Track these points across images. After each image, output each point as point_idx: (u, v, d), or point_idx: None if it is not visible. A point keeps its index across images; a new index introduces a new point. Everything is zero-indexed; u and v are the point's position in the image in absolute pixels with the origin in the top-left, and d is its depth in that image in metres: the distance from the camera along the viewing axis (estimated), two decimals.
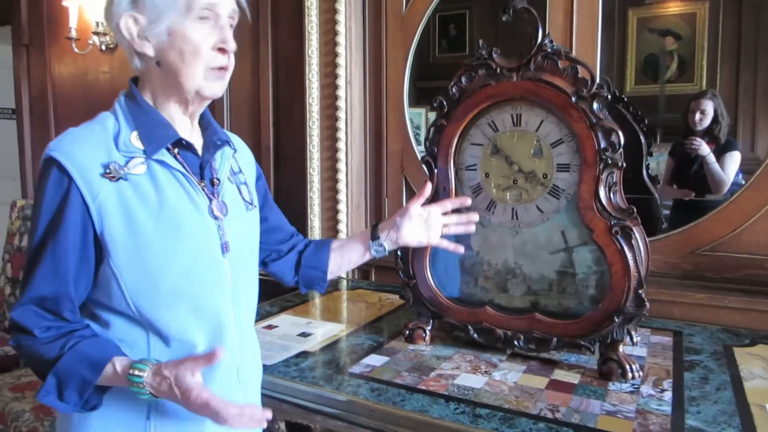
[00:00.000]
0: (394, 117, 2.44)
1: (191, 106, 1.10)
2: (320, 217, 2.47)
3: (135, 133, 1.04)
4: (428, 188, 1.44)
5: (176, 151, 1.07)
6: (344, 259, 1.43)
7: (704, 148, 2.10)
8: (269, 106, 2.58)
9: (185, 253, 1.03)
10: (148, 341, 1.05)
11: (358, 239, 1.44)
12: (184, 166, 1.07)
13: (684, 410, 1.23)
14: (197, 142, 1.14)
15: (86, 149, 1.00)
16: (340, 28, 2.35)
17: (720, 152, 2.09)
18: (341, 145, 2.41)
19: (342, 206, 2.44)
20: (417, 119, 2.53)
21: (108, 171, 0.99)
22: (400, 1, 2.37)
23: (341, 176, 2.42)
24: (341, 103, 2.39)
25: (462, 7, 2.63)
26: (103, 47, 3.11)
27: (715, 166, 2.08)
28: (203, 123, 1.18)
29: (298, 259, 1.43)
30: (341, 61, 2.37)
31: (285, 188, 2.60)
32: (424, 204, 1.41)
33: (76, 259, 0.99)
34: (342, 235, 2.44)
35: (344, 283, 2.42)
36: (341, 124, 2.40)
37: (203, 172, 1.11)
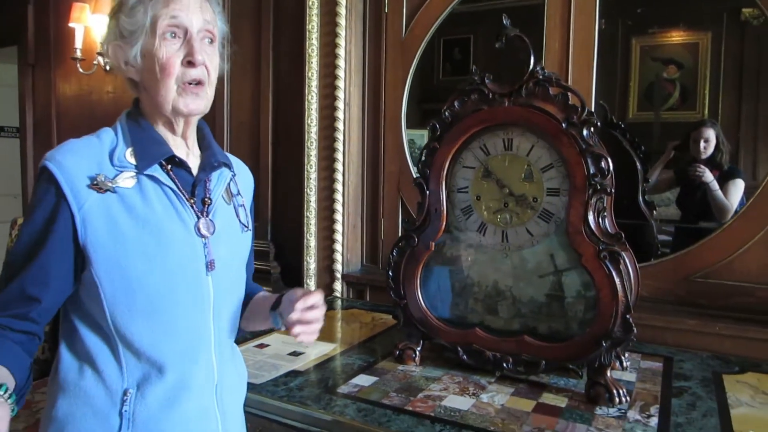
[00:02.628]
0: (391, 139, 2.47)
1: (177, 126, 1.12)
2: (316, 236, 2.48)
3: (130, 150, 1.08)
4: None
5: (169, 167, 1.10)
6: (253, 315, 1.30)
7: (708, 175, 2.11)
8: (269, 126, 2.62)
9: (165, 267, 1.05)
10: (120, 353, 1.06)
11: (267, 303, 1.27)
12: (175, 183, 1.09)
13: None
14: (194, 162, 1.16)
15: (77, 160, 1.03)
16: (340, 51, 2.39)
17: (723, 179, 2.11)
18: (339, 165, 2.44)
19: (338, 226, 2.46)
20: (420, 140, 2.56)
21: (95, 183, 1.02)
22: (400, 27, 2.42)
23: (338, 196, 2.45)
24: (339, 125, 2.42)
25: (467, 32, 2.68)
26: (108, 68, 3.16)
27: (719, 193, 2.09)
28: (203, 144, 1.21)
29: None
30: (340, 83, 2.41)
31: (282, 209, 2.63)
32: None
33: (56, 266, 1.01)
34: (338, 255, 2.46)
35: (338, 302, 2.43)
36: (339, 146, 2.43)
37: (195, 190, 1.13)
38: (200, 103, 1.09)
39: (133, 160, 1.07)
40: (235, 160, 1.30)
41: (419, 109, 2.64)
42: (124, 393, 1.05)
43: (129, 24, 1.08)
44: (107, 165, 1.05)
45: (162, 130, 1.13)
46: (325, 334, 2.02)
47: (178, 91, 1.07)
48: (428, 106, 2.63)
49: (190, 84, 1.07)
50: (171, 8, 1.05)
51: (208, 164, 1.17)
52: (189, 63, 1.06)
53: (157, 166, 1.08)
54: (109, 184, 1.03)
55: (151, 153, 1.08)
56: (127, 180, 1.05)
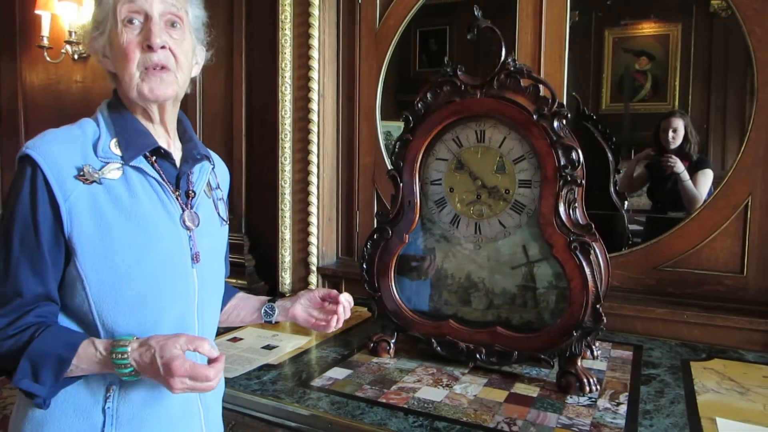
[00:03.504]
0: (366, 130, 2.46)
1: (152, 113, 1.11)
2: (291, 229, 2.46)
3: (114, 140, 1.06)
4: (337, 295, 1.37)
5: (154, 159, 1.09)
6: (236, 311, 1.39)
7: (679, 166, 2.14)
8: (242, 118, 2.58)
9: (154, 259, 1.04)
10: None
11: (257, 299, 1.41)
12: (160, 175, 1.08)
13: (637, 423, 1.26)
14: (176, 154, 1.15)
15: (62, 149, 1.01)
16: (314, 42, 2.37)
17: (693, 170, 2.14)
18: (313, 158, 2.42)
19: (313, 218, 2.44)
20: (397, 132, 2.55)
21: (81, 174, 1.00)
22: (374, 17, 2.40)
23: (313, 189, 2.43)
24: (314, 117, 2.40)
25: (442, 23, 2.67)
26: (76, 56, 3.09)
27: (689, 183, 2.12)
28: (185, 137, 1.20)
29: None
30: (314, 74, 2.38)
31: (256, 201, 2.60)
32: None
33: (50, 259, 0.99)
34: (313, 248, 2.44)
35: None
36: (313, 137, 2.41)
37: (179, 182, 1.12)
38: (166, 88, 1.07)
39: (118, 151, 1.05)
40: (214, 155, 1.29)
41: (396, 100, 2.63)
42: (107, 389, 1.04)
43: (97, 14, 1.08)
44: (92, 156, 1.03)
45: (143, 120, 1.11)
46: (300, 328, 2.01)
47: (140, 77, 1.05)
48: (405, 98, 2.62)
49: (153, 68, 1.05)
50: None
51: (191, 156, 1.16)
52: (148, 47, 1.04)
53: (142, 158, 1.07)
54: (96, 176, 1.01)
55: (137, 144, 1.07)
56: (113, 171, 1.03)
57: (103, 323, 1.02)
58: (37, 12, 3.06)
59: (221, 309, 1.33)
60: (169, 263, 1.07)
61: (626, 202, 2.42)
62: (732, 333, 1.79)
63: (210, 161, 1.22)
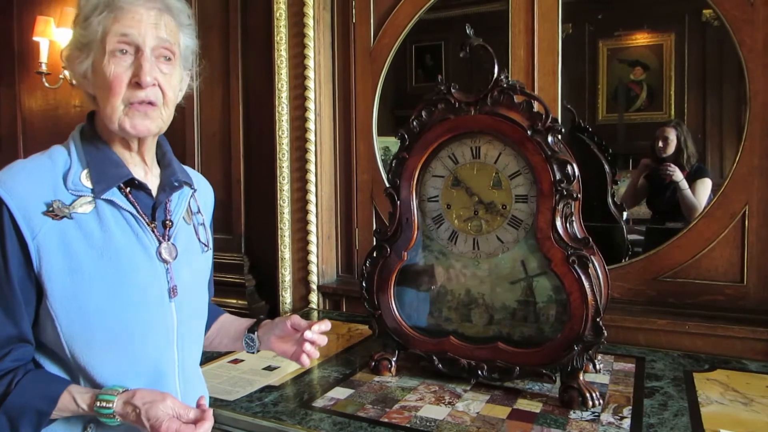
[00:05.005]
0: (363, 148, 2.47)
1: (132, 143, 1.08)
2: (291, 248, 2.47)
3: (86, 171, 1.02)
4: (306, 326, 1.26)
5: (128, 190, 1.06)
6: (218, 337, 1.35)
7: (678, 174, 2.15)
8: (240, 139, 2.60)
9: (127, 296, 1.01)
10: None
11: (240, 325, 1.34)
12: (135, 207, 1.05)
13: None
14: (153, 182, 1.12)
15: (30, 184, 0.97)
16: (309, 62, 2.39)
17: (691, 179, 2.15)
18: (311, 176, 2.43)
19: (312, 237, 2.45)
20: (395, 148, 2.56)
21: (51, 209, 0.96)
22: (368, 36, 2.43)
23: (311, 207, 2.44)
24: (311, 135, 2.41)
25: (438, 39, 2.70)
26: (74, 82, 3.11)
27: (688, 192, 2.13)
28: (163, 162, 1.16)
29: None
30: (310, 94, 2.40)
31: (256, 221, 2.61)
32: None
33: (21, 298, 0.97)
34: (313, 267, 2.45)
35: (315, 314, 2.41)
36: (311, 156, 2.42)
37: (155, 213, 1.09)
38: (150, 124, 1.04)
39: (89, 184, 1.01)
40: (194, 175, 1.26)
41: (393, 116, 2.65)
42: (84, 428, 1.02)
43: (82, 36, 1.03)
44: (62, 189, 0.99)
45: (118, 148, 1.07)
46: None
47: (124, 111, 1.01)
48: (402, 113, 2.64)
49: (139, 104, 1.01)
50: (122, 24, 0.99)
51: (168, 184, 1.12)
52: (137, 84, 1.00)
53: (115, 189, 1.03)
54: (66, 211, 0.97)
55: (109, 176, 1.03)
56: (84, 206, 1.00)
57: (76, 362, 1.00)
58: (35, 39, 3.10)
59: (205, 332, 1.28)
60: (144, 299, 1.03)
61: (625, 213, 2.42)
62: (734, 343, 1.78)
63: (191, 186, 1.18)
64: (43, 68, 3.09)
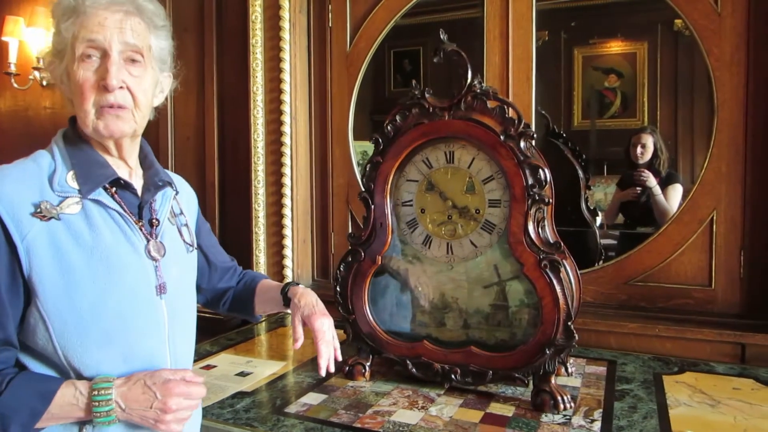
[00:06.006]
0: (339, 152, 2.47)
1: (109, 147, 1.09)
2: (266, 252, 2.45)
3: (71, 173, 1.03)
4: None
5: (114, 190, 1.07)
6: (263, 304, 1.47)
7: (651, 180, 2.18)
8: (214, 142, 2.57)
9: (118, 294, 1.01)
10: None
11: (275, 293, 1.44)
12: (121, 206, 1.06)
13: None
14: (137, 182, 1.13)
15: (16, 187, 0.97)
16: (285, 65, 2.38)
17: (663, 185, 2.18)
18: (287, 180, 2.42)
19: (288, 241, 2.43)
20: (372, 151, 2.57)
21: (39, 210, 0.97)
22: (344, 40, 2.43)
23: (287, 211, 2.42)
24: (286, 139, 2.40)
25: (416, 44, 2.71)
26: (44, 83, 3.05)
27: (661, 197, 2.17)
28: (146, 163, 1.17)
29: (232, 297, 1.48)
30: (286, 97, 2.40)
31: (231, 224, 2.58)
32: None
33: (7, 301, 0.96)
34: (288, 271, 2.43)
35: (290, 319, 2.39)
36: (286, 160, 2.41)
37: (142, 212, 1.10)
38: (123, 125, 1.04)
39: (75, 185, 1.02)
40: (176, 178, 1.27)
41: (372, 121, 2.66)
42: (80, 429, 1.01)
43: (57, 42, 1.05)
44: (48, 191, 1.00)
45: (101, 150, 1.09)
46: (276, 353, 1.99)
47: (96, 114, 1.03)
48: (380, 118, 2.63)
49: (109, 107, 1.02)
50: (88, 29, 1.00)
51: (152, 184, 1.14)
52: (104, 87, 1.01)
53: (101, 190, 1.04)
54: (54, 212, 0.98)
55: (95, 176, 1.04)
56: (71, 206, 1.00)
57: (69, 363, 0.99)
58: (3, 39, 3.03)
59: (252, 302, 1.43)
60: (135, 297, 1.04)
61: (599, 218, 2.45)
62: (702, 345, 1.82)
63: (173, 187, 1.19)
64: (12, 69, 3.02)
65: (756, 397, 1.49)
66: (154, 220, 1.11)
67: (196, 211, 1.33)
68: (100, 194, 1.04)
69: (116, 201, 1.06)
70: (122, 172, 1.10)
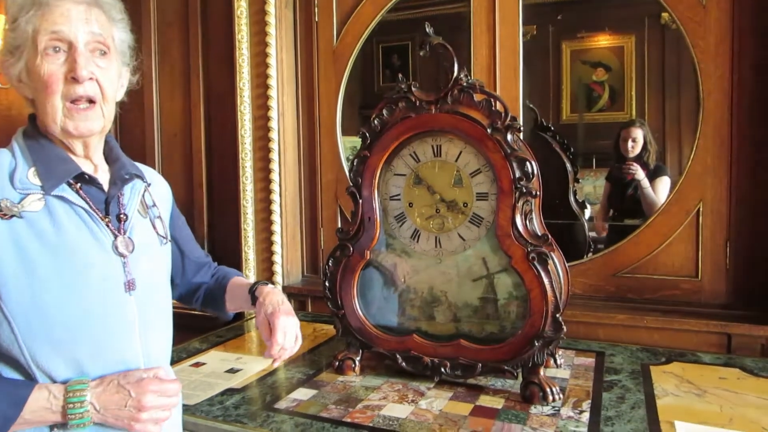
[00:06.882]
0: (327, 148, 2.46)
1: (75, 148, 1.06)
2: (255, 249, 2.44)
3: (33, 170, 1.00)
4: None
5: (79, 186, 1.04)
6: (233, 301, 1.43)
7: (640, 173, 2.19)
8: (201, 139, 2.55)
9: (85, 292, 0.99)
10: None
11: (244, 290, 1.38)
12: (87, 202, 1.03)
13: (599, 430, 1.27)
14: (103, 177, 1.10)
15: None
16: (271, 60, 2.36)
17: (651, 177, 2.19)
18: (275, 176, 2.41)
19: (277, 237, 2.42)
20: None
21: None
22: (331, 35, 2.42)
23: (275, 207, 2.41)
24: (274, 135, 2.39)
25: (404, 38, 2.70)
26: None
27: (649, 190, 2.17)
28: (111, 157, 1.14)
29: (204, 293, 1.45)
30: (273, 93, 2.38)
31: (219, 222, 2.57)
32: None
33: None
34: (278, 267, 2.42)
35: None
36: (274, 156, 2.40)
37: (108, 207, 1.07)
38: (92, 124, 1.03)
39: (37, 181, 1.00)
40: (147, 170, 1.24)
41: (361, 115, 2.65)
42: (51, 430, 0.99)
43: (12, 39, 1.01)
44: (9, 188, 0.98)
45: (63, 147, 1.05)
46: (264, 349, 1.98)
47: (64, 112, 1.00)
48: (368, 113, 2.62)
49: (76, 103, 1.00)
50: (51, 21, 0.98)
51: (119, 177, 1.11)
52: (73, 79, 0.99)
53: (65, 186, 1.01)
54: (15, 209, 0.95)
55: (57, 172, 1.01)
56: (33, 203, 0.98)
57: (37, 364, 0.97)
58: None
59: (223, 299, 1.40)
60: (102, 295, 1.02)
61: (587, 211, 2.46)
62: (689, 336, 1.83)
63: (143, 179, 1.17)
64: None
65: (742, 386, 1.50)
66: (122, 215, 1.09)
67: (170, 202, 1.31)
68: (64, 190, 1.01)
69: (81, 197, 1.03)
70: (86, 168, 1.07)
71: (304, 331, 2.10)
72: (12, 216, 0.95)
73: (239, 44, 2.38)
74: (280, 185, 2.42)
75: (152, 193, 1.21)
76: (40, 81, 0.99)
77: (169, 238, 1.23)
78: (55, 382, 0.98)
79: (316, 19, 2.43)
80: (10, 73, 1.03)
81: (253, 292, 1.34)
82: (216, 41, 2.52)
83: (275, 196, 2.41)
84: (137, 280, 1.07)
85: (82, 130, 1.02)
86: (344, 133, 2.46)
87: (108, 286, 1.03)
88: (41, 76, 0.98)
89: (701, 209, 1.91)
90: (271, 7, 2.34)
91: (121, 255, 1.05)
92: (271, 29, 2.35)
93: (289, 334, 1.26)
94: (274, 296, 1.32)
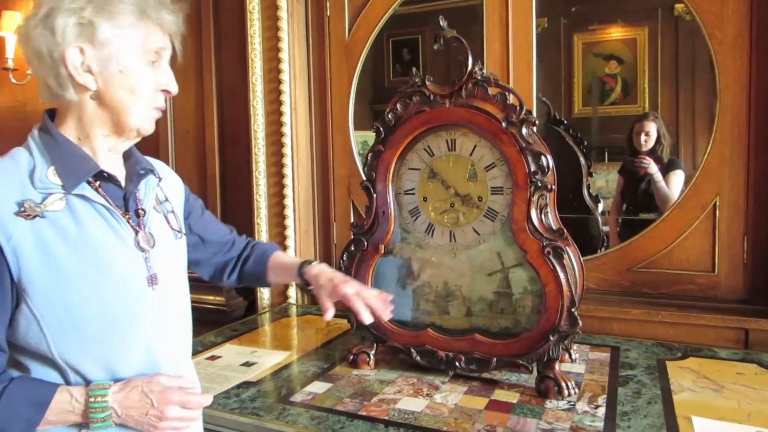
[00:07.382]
0: (339, 142, 2.46)
1: (125, 141, 1.09)
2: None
3: (52, 169, 1.00)
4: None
5: (98, 183, 1.04)
6: (279, 278, 1.49)
7: (653, 167, 2.17)
8: (214, 134, 2.56)
9: (110, 288, 1.00)
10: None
11: (292, 268, 1.43)
12: (106, 199, 1.04)
13: (615, 425, 1.27)
14: (119, 173, 1.11)
15: None
16: (284, 55, 2.37)
17: (664, 171, 2.17)
18: (287, 171, 2.41)
19: (290, 232, 2.43)
20: (373, 142, 2.56)
21: (23, 209, 0.94)
22: (343, 29, 2.41)
23: (288, 202, 2.42)
24: (286, 130, 2.39)
25: (415, 32, 2.69)
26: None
27: (662, 184, 2.16)
28: (125, 153, 1.14)
29: (240, 270, 1.47)
30: (285, 88, 2.38)
31: (232, 217, 2.58)
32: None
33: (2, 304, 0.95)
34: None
35: (293, 309, 2.40)
36: (287, 151, 2.40)
37: (127, 203, 1.08)
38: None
39: (57, 180, 0.99)
40: (158, 164, 1.25)
41: (372, 110, 2.65)
42: (80, 430, 1.00)
43: (109, 29, 0.98)
44: (30, 188, 0.97)
45: (96, 144, 1.05)
46: (281, 342, 2.00)
47: (149, 114, 1.07)
48: (380, 107, 2.63)
49: (157, 110, 1.08)
50: (163, 29, 1.05)
51: (134, 173, 1.12)
52: (164, 91, 1.07)
53: (84, 184, 1.01)
54: (38, 209, 0.96)
55: (77, 170, 1.01)
56: (55, 203, 0.98)
57: (66, 361, 0.98)
58: (1, 34, 3.02)
59: (265, 275, 1.44)
60: (127, 290, 1.03)
61: (600, 205, 2.45)
62: (706, 331, 1.82)
63: (155, 174, 1.18)
64: (10, 64, 3.01)
65: (760, 382, 1.49)
66: (140, 211, 1.10)
67: (183, 195, 1.31)
68: (84, 188, 1.01)
69: (101, 194, 1.04)
70: (106, 165, 1.07)
71: (318, 325, 2.13)
72: (35, 216, 0.95)
73: (251, 39, 2.38)
74: (293, 180, 2.42)
75: (164, 187, 1.21)
76: (141, 85, 1.03)
77: (183, 231, 1.24)
78: (84, 378, 0.99)
79: (328, 14, 2.42)
80: (75, 59, 0.97)
81: (302, 275, 1.39)
82: (228, 37, 2.52)
83: (288, 191, 2.41)
84: (159, 275, 1.08)
85: (151, 129, 1.09)
86: (355, 127, 2.46)
87: (132, 281, 1.04)
88: (143, 82, 1.03)
89: (718, 203, 1.89)
90: (282, 2, 2.34)
91: (143, 250, 1.06)
92: (283, 24, 2.35)
93: (363, 290, 1.33)
94: (326, 274, 1.37)
